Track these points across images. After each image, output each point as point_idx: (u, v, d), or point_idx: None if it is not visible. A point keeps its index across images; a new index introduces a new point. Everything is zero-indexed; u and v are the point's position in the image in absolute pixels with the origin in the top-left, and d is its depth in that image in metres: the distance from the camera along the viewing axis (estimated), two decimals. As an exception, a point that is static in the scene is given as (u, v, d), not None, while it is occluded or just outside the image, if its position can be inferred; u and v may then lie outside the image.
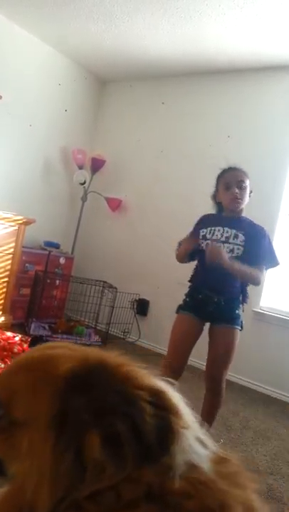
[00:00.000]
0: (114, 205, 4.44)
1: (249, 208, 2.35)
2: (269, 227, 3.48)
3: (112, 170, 4.57)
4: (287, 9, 2.79)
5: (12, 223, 3.56)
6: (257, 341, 3.40)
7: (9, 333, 3.25)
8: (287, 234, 3.53)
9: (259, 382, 3.43)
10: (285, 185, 3.52)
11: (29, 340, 3.18)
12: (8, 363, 2.79)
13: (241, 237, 2.13)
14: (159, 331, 4.07)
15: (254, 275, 2.09)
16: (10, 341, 3.12)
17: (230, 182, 2.19)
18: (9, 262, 3.61)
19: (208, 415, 2.18)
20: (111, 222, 4.57)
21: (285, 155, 3.54)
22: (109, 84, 4.82)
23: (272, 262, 2.18)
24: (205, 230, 2.23)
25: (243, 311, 2.22)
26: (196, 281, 2.27)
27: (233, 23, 3.07)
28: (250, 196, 2.23)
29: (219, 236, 2.15)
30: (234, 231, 2.15)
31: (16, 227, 3.60)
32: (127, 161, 4.53)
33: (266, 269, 2.23)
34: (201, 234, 2.23)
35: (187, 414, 0.55)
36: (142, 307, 4.22)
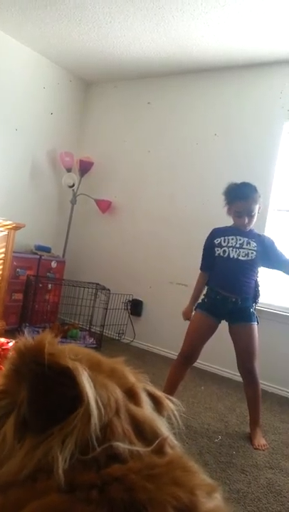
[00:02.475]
0: (104, 206, 4.44)
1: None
2: (259, 224, 3.51)
3: (101, 171, 4.57)
4: (268, 6, 2.82)
5: (1, 228, 3.53)
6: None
7: (3, 339, 3.23)
8: (277, 230, 3.56)
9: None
10: (273, 181, 3.55)
11: None
12: (3, 369, 2.77)
13: (253, 243, 2.42)
14: (153, 330, 4.08)
15: None
16: (4, 347, 3.10)
17: (242, 212, 2.41)
18: (0, 267, 3.58)
19: (254, 409, 2.46)
20: (101, 223, 4.57)
21: (272, 152, 3.57)
22: (93, 86, 4.81)
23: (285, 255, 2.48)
24: (219, 239, 2.48)
25: (255, 310, 2.47)
26: (214, 283, 2.49)
27: (216, 21, 3.08)
28: (258, 212, 2.47)
29: (234, 243, 2.43)
30: (246, 239, 2.43)
31: (6, 233, 3.58)
32: (114, 162, 4.53)
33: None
34: (216, 242, 2.48)
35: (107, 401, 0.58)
36: (135, 308, 4.22)
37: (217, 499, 0.53)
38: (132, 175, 4.40)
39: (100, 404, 0.56)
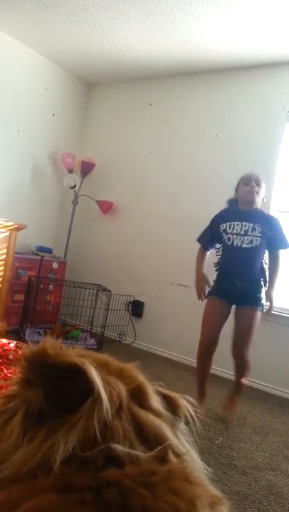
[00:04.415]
0: (106, 207, 4.44)
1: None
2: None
3: (102, 173, 4.57)
4: (270, 8, 2.82)
5: (3, 229, 3.54)
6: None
7: (4, 340, 3.23)
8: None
9: (254, 379, 3.44)
10: (274, 182, 3.55)
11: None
12: (4, 370, 2.77)
13: (258, 229, 2.45)
14: (154, 331, 4.07)
15: (277, 270, 2.51)
16: (5, 348, 3.10)
17: (249, 179, 2.52)
18: (2, 268, 3.59)
19: (236, 391, 2.62)
20: (103, 224, 4.57)
21: (273, 153, 3.57)
22: (95, 87, 4.82)
23: (285, 244, 2.53)
24: (225, 225, 2.53)
25: (261, 296, 2.53)
26: (221, 269, 2.59)
27: (217, 22, 3.09)
28: (263, 201, 2.56)
29: (239, 230, 2.47)
30: (251, 224, 2.46)
31: (8, 233, 3.58)
32: (116, 163, 4.54)
33: (279, 250, 2.57)
34: (222, 228, 2.54)
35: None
36: (136, 309, 4.22)
37: None
38: (133, 176, 4.40)
39: (109, 393, 0.56)
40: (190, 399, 0.70)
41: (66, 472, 0.51)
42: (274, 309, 3.42)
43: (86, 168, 4.49)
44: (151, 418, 0.60)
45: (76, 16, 3.34)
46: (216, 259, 2.69)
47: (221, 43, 3.37)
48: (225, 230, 2.52)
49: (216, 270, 2.63)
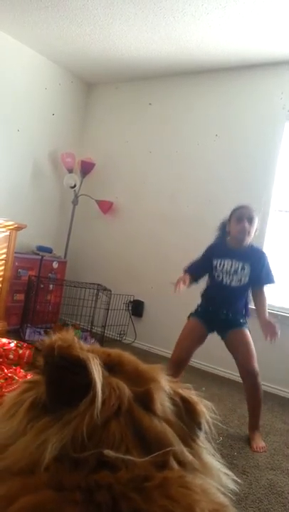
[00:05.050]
0: (106, 207, 4.44)
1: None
2: (260, 224, 3.52)
3: (102, 172, 4.57)
4: (269, 7, 2.82)
5: (3, 229, 3.54)
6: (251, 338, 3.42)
7: (4, 340, 3.23)
8: (278, 230, 3.56)
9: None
10: (274, 182, 3.54)
11: (33, 347, 3.15)
12: (4, 369, 2.78)
13: (247, 268, 2.46)
14: (154, 331, 4.08)
15: (266, 303, 2.50)
16: (5, 347, 3.10)
17: (242, 216, 2.46)
18: (2, 268, 3.59)
19: (254, 413, 2.44)
20: (103, 224, 4.57)
21: (273, 152, 3.57)
22: (95, 87, 4.82)
23: (271, 280, 2.52)
24: (216, 261, 2.53)
25: (246, 322, 2.52)
26: (208, 297, 2.59)
27: (217, 22, 3.09)
28: (255, 234, 2.52)
29: (229, 268, 2.49)
30: (241, 263, 2.47)
31: (8, 233, 3.58)
32: (116, 163, 4.54)
33: (264, 286, 2.55)
34: (214, 264, 2.54)
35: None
36: (137, 308, 4.22)
37: None
38: (133, 176, 4.40)
39: (106, 392, 0.57)
40: (208, 404, 0.69)
41: (59, 470, 0.51)
42: (274, 309, 3.45)
43: (86, 168, 4.49)
44: (155, 423, 0.59)
45: (76, 16, 3.33)
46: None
47: (220, 42, 3.37)
48: (216, 267, 2.53)
49: (202, 296, 2.62)
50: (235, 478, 0.64)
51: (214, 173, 3.81)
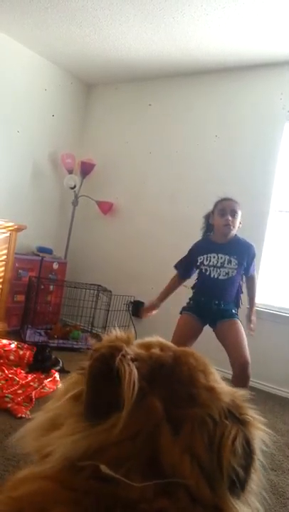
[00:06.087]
0: (106, 208, 4.44)
1: (241, 205, 2.52)
2: (260, 224, 3.53)
3: (102, 173, 4.57)
4: (269, 8, 2.82)
5: (3, 230, 3.54)
6: (249, 337, 3.41)
7: (5, 341, 3.23)
8: (278, 231, 3.56)
9: (255, 379, 3.44)
10: (274, 182, 3.55)
11: (34, 348, 3.14)
12: (5, 370, 2.77)
13: (234, 261, 2.47)
14: (155, 332, 4.06)
15: (255, 295, 2.62)
16: (6, 349, 3.10)
17: (225, 210, 2.46)
18: (2, 269, 3.59)
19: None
20: (103, 225, 4.57)
21: (273, 152, 3.57)
22: (95, 88, 4.82)
23: (252, 270, 2.60)
24: (202, 257, 2.54)
25: (237, 313, 2.52)
26: (198, 290, 2.61)
27: (216, 22, 3.09)
28: (239, 226, 2.51)
29: (215, 262, 2.50)
30: (227, 257, 2.47)
31: (8, 234, 3.58)
32: (116, 164, 4.54)
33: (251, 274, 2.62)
34: (199, 261, 2.55)
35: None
36: (137, 309, 4.22)
37: None
38: (133, 176, 4.40)
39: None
40: (264, 422, 0.61)
41: (64, 469, 0.53)
42: (274, 309, 3.46)
43: (86, 169, 4.49)
44: (175, 451, 0.53)
45: (75, 17, 3.34)
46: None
47: (220, 42, 3.37)
48: (202, 263, 2.54)
49: (193, 288, 2.65)
50: None
51: (214, 174, 3.81)
